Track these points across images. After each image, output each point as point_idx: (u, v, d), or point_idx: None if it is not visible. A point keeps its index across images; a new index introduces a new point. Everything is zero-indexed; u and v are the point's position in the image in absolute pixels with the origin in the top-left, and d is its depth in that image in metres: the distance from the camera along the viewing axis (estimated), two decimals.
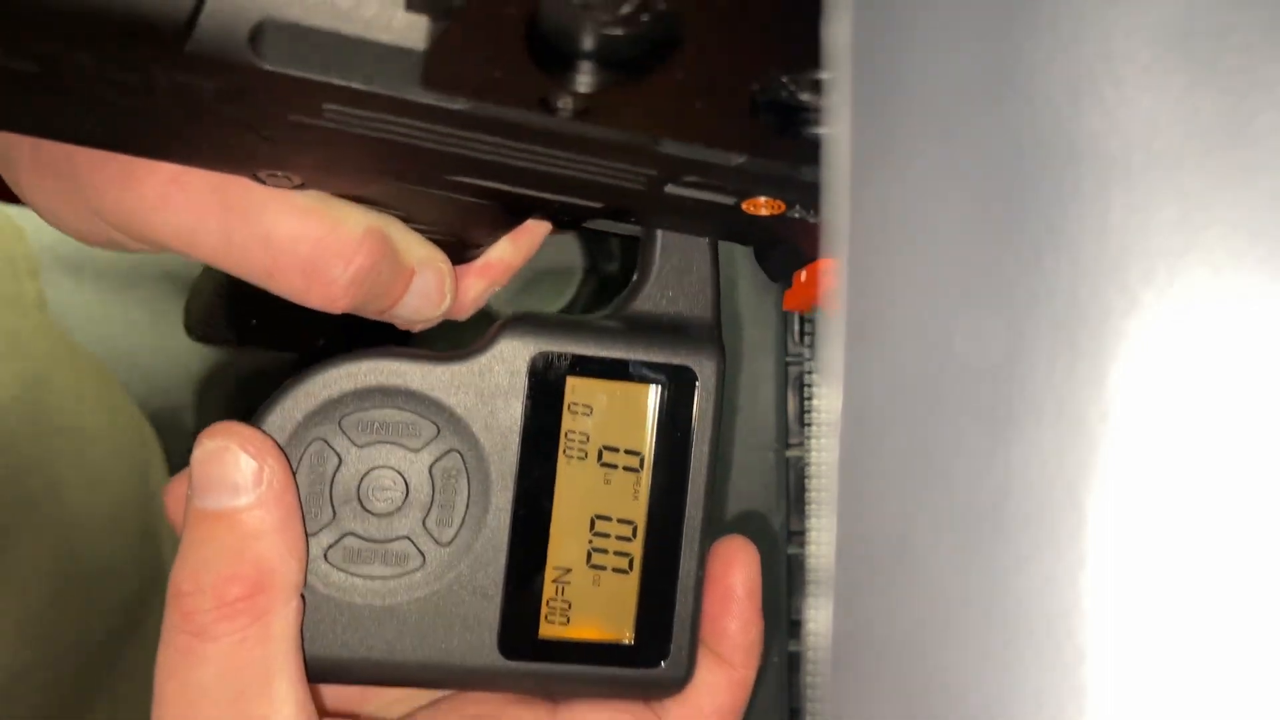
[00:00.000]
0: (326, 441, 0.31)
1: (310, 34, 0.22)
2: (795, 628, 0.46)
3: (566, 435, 0.32)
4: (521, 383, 0.32)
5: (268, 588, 0.29)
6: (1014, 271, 0.15)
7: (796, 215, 0.29)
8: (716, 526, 0.34)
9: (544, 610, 0.32)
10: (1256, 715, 0.14)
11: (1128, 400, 0.14)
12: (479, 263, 0.34)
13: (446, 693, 0.34)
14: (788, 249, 0.32)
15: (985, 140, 0.15)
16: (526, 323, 0.32)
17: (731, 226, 0.32)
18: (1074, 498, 0.14)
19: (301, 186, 0.28)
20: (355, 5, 0.22)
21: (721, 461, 0.46)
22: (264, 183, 0.28)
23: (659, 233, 0.33)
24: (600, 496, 0.33)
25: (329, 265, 0.29)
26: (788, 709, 0.46)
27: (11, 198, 0.31)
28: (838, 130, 0.16)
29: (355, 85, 0.23)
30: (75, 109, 0.24)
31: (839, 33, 0.16)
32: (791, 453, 0.46)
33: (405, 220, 0.31)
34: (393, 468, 0.31)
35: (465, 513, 0.32)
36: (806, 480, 0.46)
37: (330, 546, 0.31)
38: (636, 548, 0.33)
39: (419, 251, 0.31)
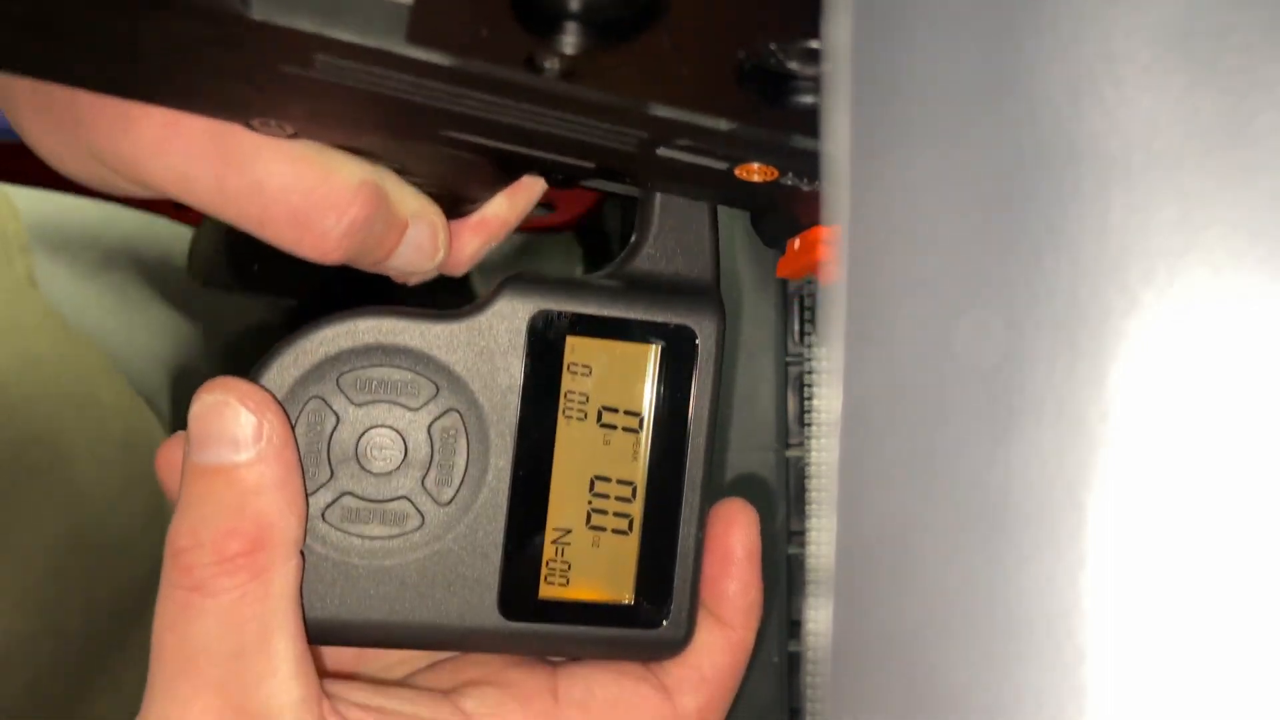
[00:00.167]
0: (324, 400, 0.31)
1: None
2: (795, 628, 0.46)
3: (566, 395, 0.32)
4: (521, 341, 0.32)
5: (268, 544, 0.29)
6: (1014, 271, 0.15)
7: (789, 183, 0.29)
8: (716, 492, 0.34)
9: (544, 571, 0.32)
10: (1256, 715, 0.14)
11: (1128, 400, 0.14)
12: (474, 219, 0.34)
13: (446, 656, 0.34)
14: (782, 215, 0.32)
15: (985, 141, 0.15)
16: (526, 281, 0.32)
17: (725, 191, 0.32)
18: (1074, 498, 0.14)
19: (295, 136, 0.28)
20: None
21: (722, 462, 0.46)
22: (257, 131, 0.28)
23: (657, 194, 0.33)
24: (600, 457, 0.32)
25: (321, 217, 0.29)
26: (788, 709, 0.46)
27: None
28: (838, 131, 0.16)
29: (344, 37, 0.23)
30: (70, 52, 0.25)
31: (839, 32, 0.16)
32: (791, 453, 0.46)
33: (399, 173, 0.31)
34: (391, 427, 0.31)
35: (464, 473, 0.32)
36: (806, 480, 0.46)
37: (328, 506, 0.31)
38: (636, 509, 0.33)
39: (413, 204, 0.31)
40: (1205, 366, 0.14)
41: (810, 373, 0.46)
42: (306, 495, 0.30)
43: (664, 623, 0.33)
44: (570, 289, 0.32)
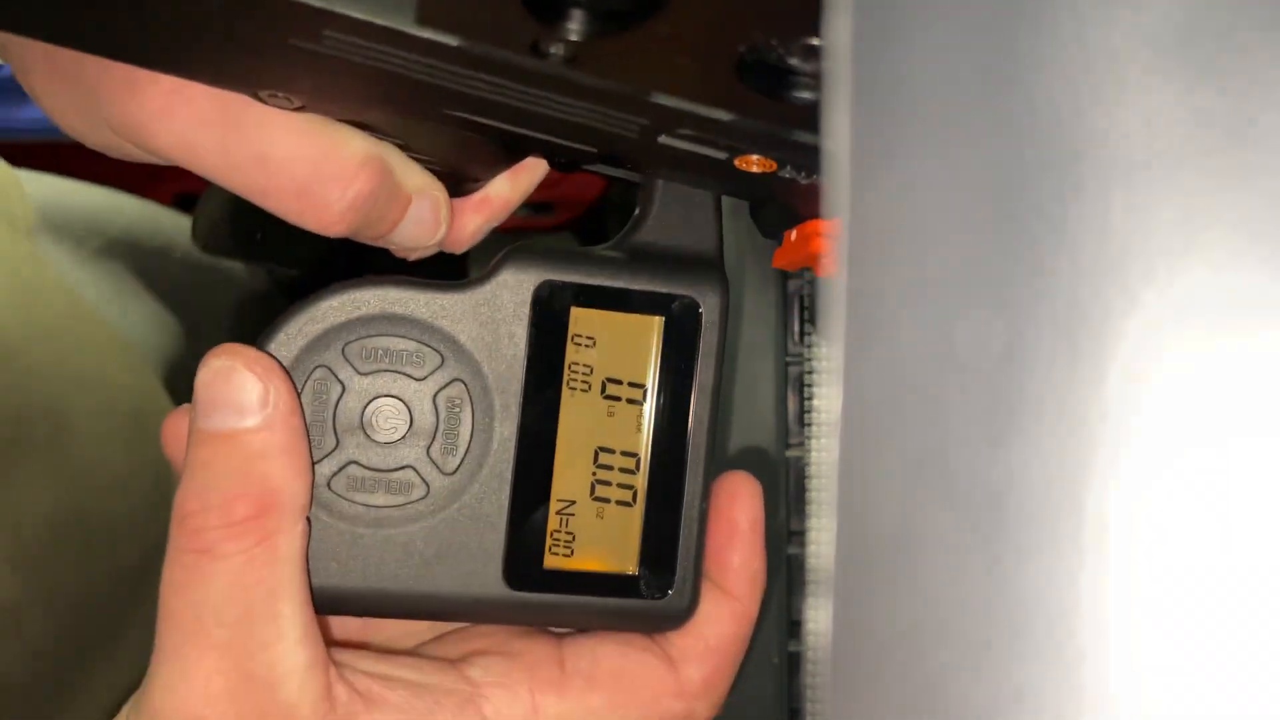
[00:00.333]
0: (330, 369, 0.31)
1: None
2: (795, 628, 0.46)
3: (570, 367, 0.32)
4: (526, 312, 0.32)
5: (274, 508, 0.29)
6: (1014, 271, 0.15)
7: (787, 175, 0.29)
8: (719, 464, 0.34)
9: (548, 541, 0.32)
10: (1256, 715, 0.14)
11: (1128, 400, 0.14)
12: (476, 197, 0.34)
13: (452, 627, 0.34)
14: (780, 206, 0.33)
15: (986, 141, 0.15)
16: (530, 252, 0.32)
17: (724, 181, 0.32)
18: (1074, 498, 0.14)
19: (302, 109, 0.29)
20: None
21: (722, 461, 0.46)
22: (265, 102, 0.28)
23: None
24: (604, 429, 0.33)
25: (326, 189, 0.29)
26: (788, 709, 0.46)
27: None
28: (839, 129, 0.16)
29: (353, 14, 0.23)
30: (79, 16, 0.25)
31: (839, 32, 0.16)
32: (791, 453, 0.46)
33: (404, 149, 0.31)
34: (396, 396, 0.31)
35: (469, 443, 0.32)
36: (806, 480, 0.46)
37: (333, 475, 0.31)
38: (640, 480, 0.33)
39: (416, 179, 0.31)
40: (1205, 367, 0.14)
41: (810, 373, 0.46)
42: (312, 462, 0.30)
43: (668, 593, 0.33)
44: (575, 260, 0.32)
